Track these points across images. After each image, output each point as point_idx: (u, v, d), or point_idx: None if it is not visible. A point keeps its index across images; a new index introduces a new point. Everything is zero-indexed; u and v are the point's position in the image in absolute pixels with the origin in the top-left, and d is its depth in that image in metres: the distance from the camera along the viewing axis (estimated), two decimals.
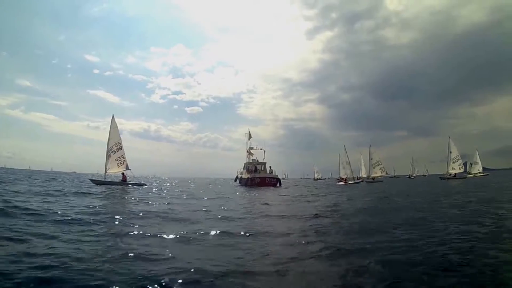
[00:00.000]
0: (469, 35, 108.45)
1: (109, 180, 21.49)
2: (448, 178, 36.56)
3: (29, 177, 29.24)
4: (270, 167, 29.26)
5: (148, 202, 10.28)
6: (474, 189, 16.51)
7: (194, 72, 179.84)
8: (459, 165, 40.72)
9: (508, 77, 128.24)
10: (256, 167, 28.00)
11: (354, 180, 36.40)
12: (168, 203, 10.14)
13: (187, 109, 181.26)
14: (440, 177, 40.56)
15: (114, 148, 21.71)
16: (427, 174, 79.69)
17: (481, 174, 42.78)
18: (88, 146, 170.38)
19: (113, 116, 22.77)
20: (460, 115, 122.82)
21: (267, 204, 10.92)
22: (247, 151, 29.50)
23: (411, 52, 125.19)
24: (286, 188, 25.05)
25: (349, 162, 40.82)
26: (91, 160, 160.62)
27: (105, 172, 21.25)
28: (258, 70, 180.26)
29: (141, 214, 7.09)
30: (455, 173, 37.43)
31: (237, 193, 18.40)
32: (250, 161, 29.31)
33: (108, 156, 21.32)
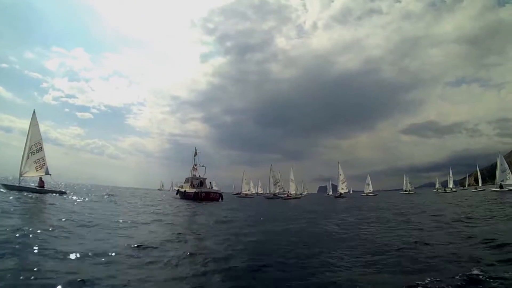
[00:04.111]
0: (341, 78, 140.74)
1: (23, 185, 18.91)
2: (338, 197, 47.37)
3: None
4: (210, 182, 31.77)
5: None
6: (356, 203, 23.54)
7: (89, 77, 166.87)
8: (346, 186, 53.39)
9: (369, 118, 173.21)
10: (202, 182, 29.66)
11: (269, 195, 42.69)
12: None
13: (78, 113, 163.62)
14: (334, 196, 51.69)
15: (34, 149, 19.58)
16: (307, 192, 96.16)
17: (372, 194, 55.95)
18: None
19: (34, 112, 20.63)
20: (327, 145, 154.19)
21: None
22: (193, 167, 31.26)
23: (290, 86, 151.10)
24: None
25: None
26: None
27: (20, 175, 18.74)
28: (151, 85, 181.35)
29: None
30: (340, 193, 48.86)
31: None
32: (192, 176, 30.77)
33: (25, 158, 18.93)
